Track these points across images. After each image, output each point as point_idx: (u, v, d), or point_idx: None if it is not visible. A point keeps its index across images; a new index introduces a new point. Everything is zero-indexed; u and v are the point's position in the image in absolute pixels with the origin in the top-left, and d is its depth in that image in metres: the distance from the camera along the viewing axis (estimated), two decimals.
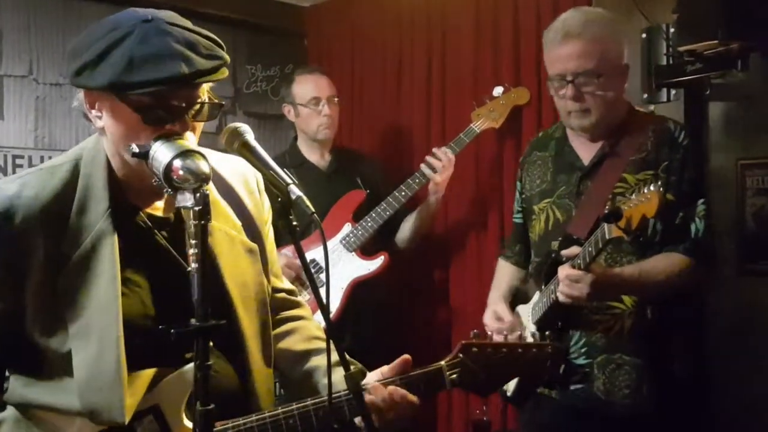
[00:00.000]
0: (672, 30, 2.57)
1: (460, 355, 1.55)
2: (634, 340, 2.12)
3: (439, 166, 3.00)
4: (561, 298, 2.03)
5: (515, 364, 1.57)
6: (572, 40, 2.12)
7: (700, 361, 2.75)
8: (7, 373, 1.52)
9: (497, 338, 2.29)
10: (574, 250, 2.04)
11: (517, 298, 2.42)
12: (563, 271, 2.00)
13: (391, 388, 1.52)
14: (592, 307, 2.14)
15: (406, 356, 1.58)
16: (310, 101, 3.17)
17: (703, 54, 2.38)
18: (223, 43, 1.41)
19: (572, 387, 2.16)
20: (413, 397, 1.53)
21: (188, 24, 1.40)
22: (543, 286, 2.21)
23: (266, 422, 1.49)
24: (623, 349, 2.13)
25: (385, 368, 1.58)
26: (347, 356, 1.37)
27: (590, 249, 1.96)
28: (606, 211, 1.88)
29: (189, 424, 1.47)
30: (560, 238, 2.20)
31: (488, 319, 2.35)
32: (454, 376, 1.54)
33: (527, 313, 2.31)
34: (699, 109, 2.74)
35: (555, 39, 2.16)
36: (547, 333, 2.06)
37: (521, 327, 2.31)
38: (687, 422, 2.19)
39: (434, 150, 3.06)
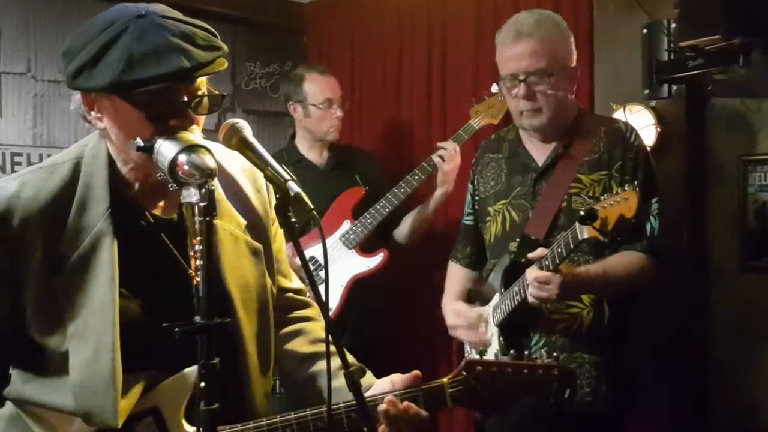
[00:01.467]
0: (673, 25, 2.56)
1: (464, 373, 1.52)
2: (593, 338, 2.16)
3: (447, 155, 2.99)
4: (531, 299, 2.04)
5: (520, 384, 1.53)
6: (524, 39, 2.16)
7: (702, 357, 2.75)
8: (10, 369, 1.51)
9: (467, 336, 2.31)
10: (541, 251, 2.04)
11: (472, 300, 2.42)
12: (532, 273, 2.01)
13: (406, 403, 1.49)
14: (551, 308, 2.16)
15: (417, 372, 1.55)
16: (324, 103, 3.15)
17: (705, 49, 2.38)
18: (217, 33, 1.39)
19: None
20: (425, 413, 1.50)
21: (181, 16, 1.38)
22: (503, 289, 2.21)
23: (263, 430, 1.47)
24: (582, 348, 2.16)
25: (395, 379, 1.55)
26: (347, 354, 1.36)
27: (559, 250, 1.96)
28: (581, 213, 1.89)
29: (188, 427, 1.46)
30: (518, 239, 2.22)
31: (451, 320, 2.37)
32: (457, 393, 1.51)
33: (487, 315, 2.30)
34: (700, 105, 2.74)
35: (507, 39, 2.20)
36: (540, 352, 2.07)
37: (485, 326, 2.30)
38: (647, 422, 2.22)
39: (439, 143, 3.06)
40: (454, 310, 2.38)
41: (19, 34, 3.30)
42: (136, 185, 1.46)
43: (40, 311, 1.41)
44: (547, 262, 1.99)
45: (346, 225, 3.09)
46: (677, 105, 2.71)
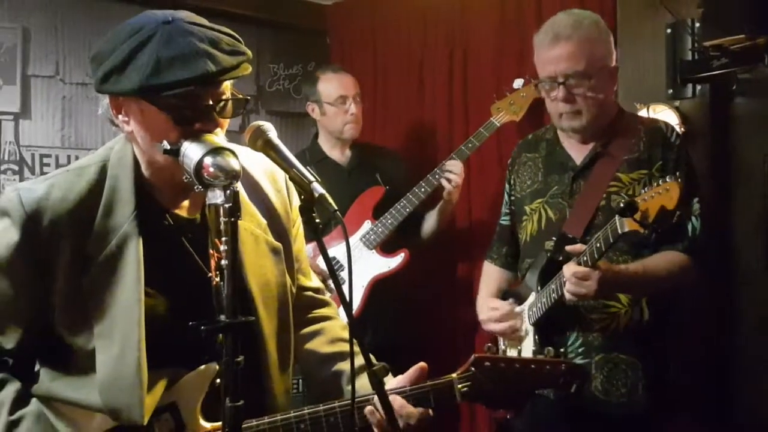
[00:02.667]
0: (697, 25, 2.54)
1: (472, 369, 1.53)
2: (630, 339, 2.13)
3: (454, 179, 3.00)
4: (567, 296, 2.02)
5: (528, 379, 1.55)
6: (562, 41, 2.14)
7: (727, 358, 2.73)
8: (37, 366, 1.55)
9: (500, 328, 2.29)
10: (579, 246, 2.02)
11: (507, 299, 2.39)
12: (569, 268, 1.99)
13: (390, 398, 1.47)
14: (589, 307, 2.14)
15: (422, 364, 1.56)
16: (337, 100, 3.18)
17: (730, 49, 2.36)
18: (240, 38, 1.42)
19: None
20: (414, 410, 1.49)
21: (206, 22, 1.41)
22: (539, 287, 2.20)
23: (278, 425, 1.49)
24: (620, 348, 2.13)
25: (400, 378, 1.56)
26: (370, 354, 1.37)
27: (598, 245, 1.95)
28: (621, 205, 1.87)
29: (204, 422, 1.49)
30: (555, 238, 2.20)
31: (485, 314, 2.36)
32: (465, 389, 1.52)
33: (523, 314, 2.29)
34: (725, 105, 2.71)
35: (545, 41, 2.18)
36: (548, 348, 2.07)
37: (519, 321, 2.29)
38: (682, 425, 2.20)
39: (446, 164, 3.04)
40: (488, 305, 2.36)
41: (48, 37, 3.36)
42: (161, 187, 1.50)
43: (68, 310, 1.44)
44: (585, 258, 1.97)
45: (367, 225, 3.10)
46: (701, 105, 2.69)
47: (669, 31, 2.65)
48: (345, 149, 3.27)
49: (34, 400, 1.50)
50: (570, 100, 2.15)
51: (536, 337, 2.20)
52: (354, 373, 1.33)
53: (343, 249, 2.82)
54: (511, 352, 2.33)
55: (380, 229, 3.07)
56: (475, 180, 3.25)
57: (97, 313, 1.43)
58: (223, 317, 1.20)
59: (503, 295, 2.42)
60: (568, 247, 2.06)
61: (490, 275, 2.53)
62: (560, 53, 2.14)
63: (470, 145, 3.06)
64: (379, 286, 3.07)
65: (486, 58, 3.31)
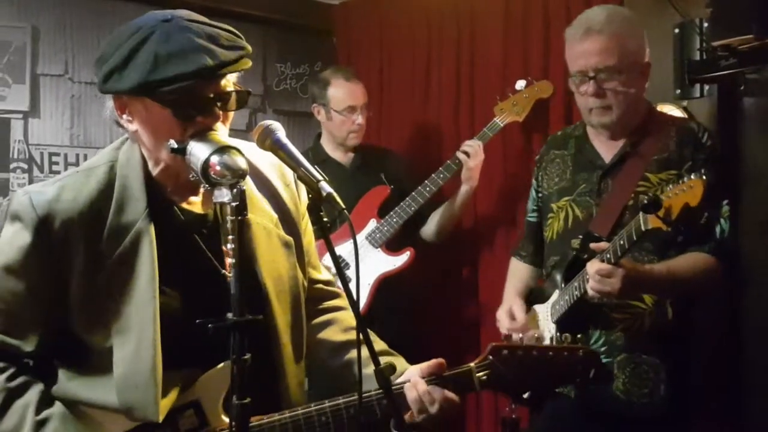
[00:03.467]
0: (705, 25, 2.53)
1: (490, 357, 1.55)
2: (654, 339, 2.11)
3: (471, 151, 3.02)
4: (590, 293, 2.00)
5: (546, 366, 1.56)
6: (594, 35, 2.12)
7: (737, 358, 2.72)
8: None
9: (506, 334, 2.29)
10: (603, 244, 2.01)
11: (532, 297, 2.40)
12: (593, 266, 1.98)
13: (431, 386, 1.52)
14: (612, 306, 2.12)
15: (441, 360, 1.58)
16: (346, 109, 3.19)
17: (738, 49, 2.35)
18: (242, 35, 1.43)
19: (591, 386, 2.14)
20: (452, 395, 1.53)
21: (206, 19, 1.42)
22: (563, 285, 2.19)
23: (299, 419, 1.50)
24: (643, 349, 2.12)
25: (421, 366, 1.58)
26: (380, 343, 1.38)
27: (622, 242, 1.93)
28: (644, 202, 1.85)
29: (226, 418, 1.50)
30: (581, 236, 2.18)
31: (502, 315, 2.34)
32: (484, 377, 1.54)
33: (546, 312, 2.29)
34: (733, 105, 2.70)
35: (576, 35, 2.17)
36: (565, 335, 2.05)
37: (534, 327, 2.29)
38: (704, 427, 2.18)
39: (465, 142, 3.08)
40: (509, 309, 2.33)
41: (57, 36, 3.38)
42: (169, 185, 1.51)
43: (85, 309, 1.46)
44: (608, 255, 1.96)
45: (372, 224, 3.12)
46: (709, 105, 2.68)
47: (677, 30, 2.64)
48: (348, 151, 3.29)
49: (57, 402, 1.50)
50: (600, 94, 2.13)
51: (557, 334, 2.19)
52: (361, 371, 1.34)
53: (350, 247, 2.82)
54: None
55: (386, 228, 3.08)
56: (480, 179, 3.25)
57: (113, 311, 1.44)
58: (230, 315, 1.20)
59: (530, 293, 2.40)
60: (592, 245, 2.04)
61: (517, 272, 2.52)
62: (591, 47, 2.12)
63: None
64: (384, 284, 3.08)
65: (492, 59, 3.31)
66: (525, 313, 2.31)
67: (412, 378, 1.54)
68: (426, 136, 3.62)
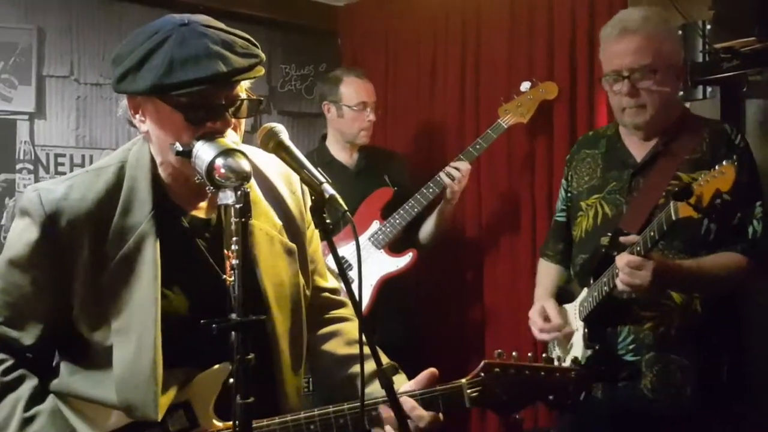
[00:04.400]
0: (708, 27, 2.54)
1: (482, 374, 1.55)
2: (683, 338, 2.09)
3: (457, 176, 3.04)
4: (620, 286, 1.99)
5: (537, 387, 1.56)
6: (629, 35, 2.12)
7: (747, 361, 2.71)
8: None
9: (537, 337, 2.29)
10: (633, 238, 1.99)
11: (560, 297, 2.39)
12: (623, 258, 1.96)
13: (402, 399, 1.49)
14: (641, 303, 2.10)
15: (433, 370, 1.57)
16: (358, 105, 3.20)
17: (740, 51, 2.35)
18: (257, 43, 1.45)
19: (619, 384, 2.14)
20: (423, 412, 1.50)
21: (223, 26, 1.44)
22: (591, 282, 2.18)
23: (297, 424, 1.51)
24: (671, 347, 2.10)
25: (410, 382, 1.57)
26: (382, 355, 1.38)
27: (652, 233, 1.92)
28: (675, 189, 1.84)
29: (217, 421, 1.52)
30: (610, 234, 2.16)
31: (535, 315, 2.32)
32: (475, 394, 1.54)
33: (573, 312, 2.28)
34: (735, 107, 2.71)
35: (611, 35, 2.17)
36: (597, 347, 2.04)
37: (569, 326, 2.28)
38: (731, 427, 2.15)
39: (451, 163, 3.09)
40: (541, 309, 2.31)
41: (63, 38, 3.39)
42: (177, 188, 1.52)
43: (87, 307, 1.47)
44: (638, 248, 1.95)
45: (375, 225, 3.13)
46: (712, 106, 2.68)
47: (680, 32, 2.64)
48: (353, 152, 3.30)
49: (50, 397, 1.52)
50: (634, 94, 2.13)
51: (586, 331, 2.18)
52: (363, 372, 1.35)
53: (352, 248, 2.84)
54: (558, 350, 2.32)
55: (388, 229, 3.10)
56: (484, 180, 3.26)
57: (115, 311, 1.46)
58: (234, 316, 1.21)
59: (560, 293, 2.40)
60: (622, 238, 2.03)
61: (546, 272, 2.51)
62: (627, 47, 2.12)
63: (478, 146, 3.09)
64: (387, 286, 3.09)
65: (497, 60, 3.32)
66: (558, 314, 2.29)
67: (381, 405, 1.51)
68: (431, 137, 3.63)
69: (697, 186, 1.82)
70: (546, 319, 2.29)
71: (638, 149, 2.24)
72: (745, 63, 2.39)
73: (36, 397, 1.50)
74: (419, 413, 1.50)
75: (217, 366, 1.50)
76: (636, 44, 2.12)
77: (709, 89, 2.62)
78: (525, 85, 3.08)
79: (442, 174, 3.08)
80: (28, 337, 1.51)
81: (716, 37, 2.42)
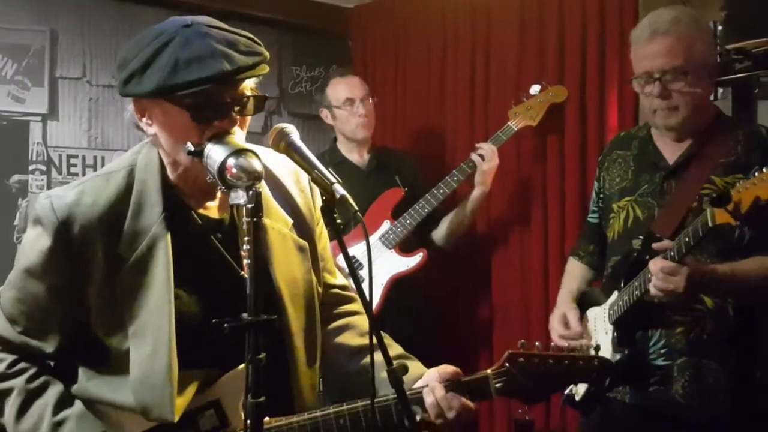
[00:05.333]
0: (720, 28, 2.53)
1: (506, 365, 1.56)
2: (715, 343, 2.06)
3: (486, 154, 3.04)
4: (653, 291, 1.96)
5: (561, 375, 1.58)
6: (659, 37, 2.10)
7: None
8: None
9: (560, 343, 2.23)
10: (666, 243, 1.97)
11: (586, 301, 2.37)
12: (656, 264, 1.93)
13: (450, 393, 1.54)
14: (673, 307, 2.07)
15: (457, 369, 1.59)
16: (345, 102, 3.23)
17: (752, 52, 2.35)
18: (260, 42, 1.45)
19: (650, 389, 2.12)
20: (469, 403, 1.54)
21: (226, 26, 1.45)
22: (622, 285, 2.16)
23: (317, 421, 1.52)
24: (703, 352, 2.07)
25: (438, 370, 1.59)
26: (394, 345, 1.39)
27: (687, 239, 1.89)
28: (713, 195, 1.81)
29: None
30: (642, 237, 2.14)
31: (555, 322, 2.32)
32: (500, 384, 1.56)
33: (603, 313, 2.26)
34: (747, 108, 2.70)
35: (642, 36, 2.15)
36: (626, 351, 2.03)
37: (587, 335, 2.26)
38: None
39: (477, 144, 3.11)
40: (563, 315, 2.31)
41: (75, 40, 3.42)
42: (187, 189, 1.53)
43: (103, 311, 1.48)
44: (672, 254, 1.92)
45: (386, 225, 3.14)
46: (724, 107, 2.67)
47: (718, 29, 2.62)
48: (363, 152, 3.31)
49: (78, 402, 1.53)
50: (666, 95, 2.10)
51: (615, 335, 2.16)
52: (374, 370, 1.35)
53: (363, 248, 2.85)
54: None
55: (399, 229, 3.10)
56: (494, 180, 3.25)
57: (130, 314, 1.47)
58: (245, 315, 1.22)
59: (582, 297, 2.39)
60: (655, 245, 2.01)
61: (573, 272, 2.50)
62: (658, 49, 2.10)
63: None
64: (397, 285, 3.09)
65: (507, 62, 3.32)
66: (579, 322, 2.28)
67: (430, 383, 1.55)
68: (440, 139, 3.63)
69: (736, 193, 1.78)
70: (566, 326, 2.28)
71: (670, 151, 2.21)
72: (757, 64, 2.39)
73: (63, 402, 1.51)
74: (463, 402, 1.53)
75: (243, 365, 1.50)
76: (667, 46, 2.09)
77: (720, 90, 2.61)
78: (534, 89, 3.09)
79: (455, 175, 3.08)
80: (48, 344, 1.52)
81: (728, 38, 2.42)
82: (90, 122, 3.45)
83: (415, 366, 1.61)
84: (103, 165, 3.28)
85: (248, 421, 1.22)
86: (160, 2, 3.40)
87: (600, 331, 2.25)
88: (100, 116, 3.47)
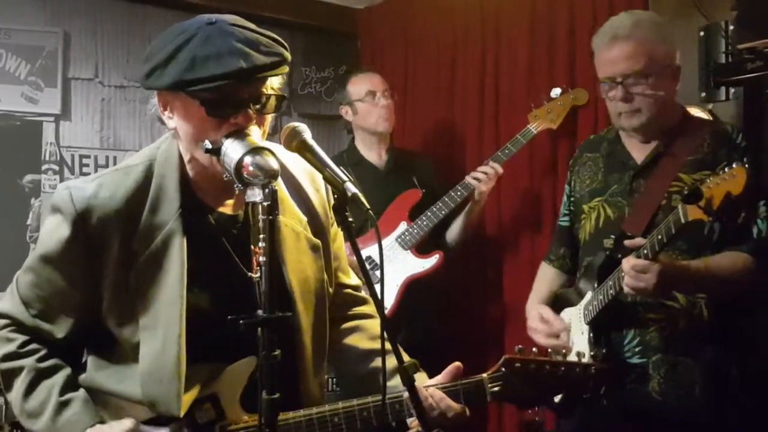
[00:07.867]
0: (731, 27, 2.52)
1: (503, 369, 1.57)
2: (689, 339, 2.09)
3: (484, 177, 3.04)
4: (626, 290, 1.99)
5: (557, 381, 1.58)
6: (620, 42, 2.13)
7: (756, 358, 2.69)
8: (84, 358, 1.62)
9: (545, 342, 2.26)
10: (639, 241, 1.99)
11: (560, 303, 2.38)
12: (628, 262, 1.96)
13: (431, 390, 1.55)
14: (646, 305, 2.11)
15: (458, 364, 1.60)
16: (366, 95, 3.23)
17: (763, 52, 2.34)
18: (285, 43, 1.47)
19: (627, 387, 2.13)
20: (452, 403, 1.55)
21: (251, 25, 1.47)
22: (596, 285, 2.19)
23: (325, 416, 1.54)
24: (678, 349, 2.09)
25: (437, 376, 1.60)
26: (402, 352, 1.40)
27: (660, 237, 1.91)
28: (685, 192, 1.83)
29: (243, 413, 1.54)
30: (614, 236, 2.17)
31: (535, 322, 2.33)
32: (496, 389, 1.56)
33: (578, 314, 2.28)
34: (758, 108, 2.68)
35: (603, 42, 2.18)
36: (604, 351, 2.01)
37: (567, 332, 2.27)
38: (741, 426, 2.12)
39: (480, 167, 3.09)
40: (539, 315, 2.33)
41: (87, 41, 3.45)
42: (205, 185, 1.54)
43: (115, 303, 1.51)
44: (645, 251, 1.94)
45: (403, 226, 3.14)
46: (735, 107, 2.66)
47: (702, 33, 2.63)
48: (382, 152, 3.31)
49: (82, 388, 1.56)
50: (628, 99, 2.13)
51: (591, 335, 2.17)
52: (385, 368, 1.36)
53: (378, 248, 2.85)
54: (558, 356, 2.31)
55: (416, 231, 3.11)
56: (505, 182, 3.25)
57: (143, 307, 1.49)
58: (260, 312, 1.23)
59: (555, 299, 2.40)
60: (627, 242, 2.03)
61: (544, 277, 2.52)
62: (618, 54, 2.13)
63: (507, 150, 3.09)
64: (413, 287, 3.10)
65: (517, 63, 3.32)
66: (556, 317, 2.29)
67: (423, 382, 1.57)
68: (450, 140, 3.63)
69: (707, 189, 1.80)
70: (546, 322, 2.29)
71: (638, 151, 2.24)
72: None
73: (70, 385, 1.54)
74: (448, 403, 1.53)
75: (243, 360, 1.52)
76: (627, 51, 2.12)
77: (732, 90, 2.60)
78: (555, 91, 3.07)
79: (468, 178, 3.09)
80: (59, 330, 1.55)
81: (739, 37, 2.41)
82: (102, 122, 3.48)
83: (419, 377, 1.62)
84: (114, 165, 3.29)
85: (262, 418, 1.23)
86: (172, 3, 3.42)
87: (576, 332, 2.26)
88: (112, 116, 3.50)
